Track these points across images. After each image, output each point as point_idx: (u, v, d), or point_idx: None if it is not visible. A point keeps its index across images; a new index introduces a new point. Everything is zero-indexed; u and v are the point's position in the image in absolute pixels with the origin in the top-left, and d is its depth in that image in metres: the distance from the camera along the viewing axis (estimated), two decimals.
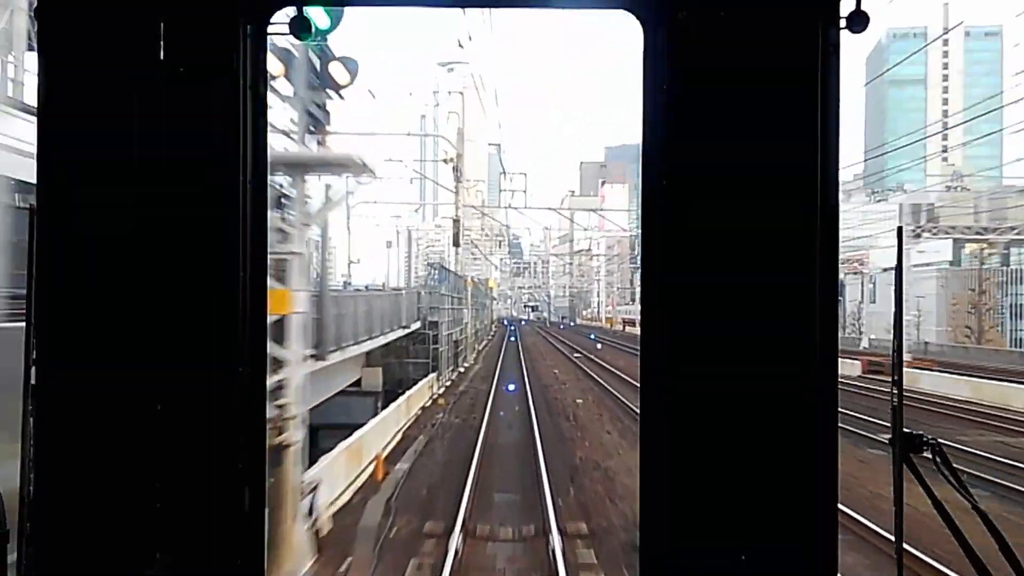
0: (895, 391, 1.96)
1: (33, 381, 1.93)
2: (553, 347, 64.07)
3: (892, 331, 1.99)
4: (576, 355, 52.13)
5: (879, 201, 63.00)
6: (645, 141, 2.03)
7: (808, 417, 1.96)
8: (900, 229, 1.92)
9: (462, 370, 41.76)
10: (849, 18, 1.95)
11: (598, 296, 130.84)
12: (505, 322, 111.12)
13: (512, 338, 72.37)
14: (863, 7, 1.95)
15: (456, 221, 43.79)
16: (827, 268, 1.95)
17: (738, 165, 1.96)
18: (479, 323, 60.80)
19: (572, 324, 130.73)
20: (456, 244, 45.95)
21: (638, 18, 2.00)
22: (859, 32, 1.95)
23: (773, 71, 1.95)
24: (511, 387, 32.19)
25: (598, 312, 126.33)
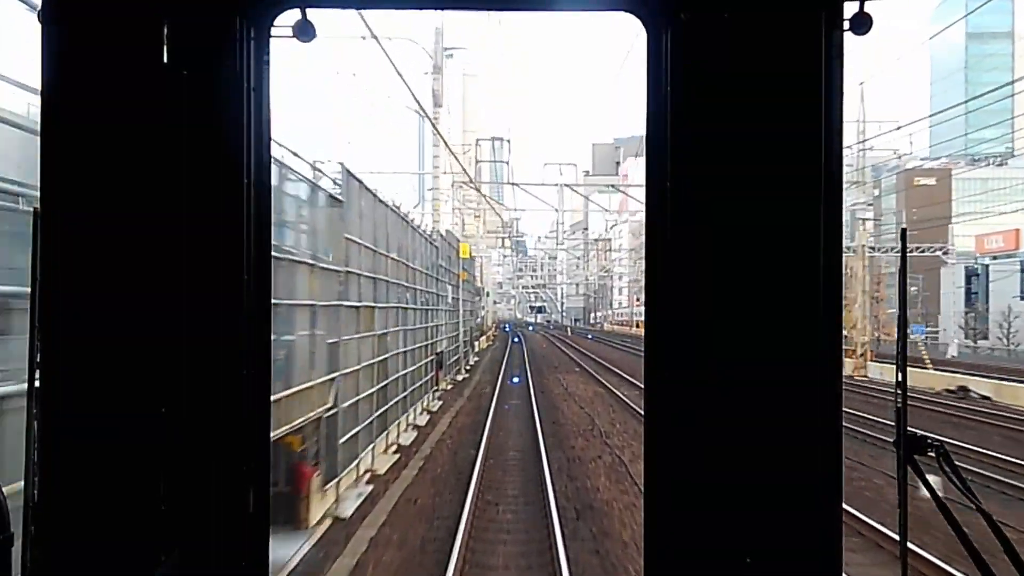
0: (898, 392, 2.30)
1: (37, 383, 2.28)
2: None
3: (896, 334, 2.33)
4: None
5: (1000, 165, 60.58)
6: (649, 142, 2.37)
7: (813, 418, 2.30)
8: (904, 231, 2.26)
9: None
10: (852, 20, 2.29)
11: (624, 293, 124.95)
12: (507, 328, 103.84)
13: (515, 379, 38.79)
14: (866, 9, 2.29)
15: None
16: (830, 268, 2.30)
17: (742, 167, 2.30)
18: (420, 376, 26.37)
19: (598, 329, 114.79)
20: None
21: (641, 20, 2.35)
22: (862, 34, 2.30)
23: (776, 73, 2.29)
24: None
25: (632, 315, 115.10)
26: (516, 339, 77.88)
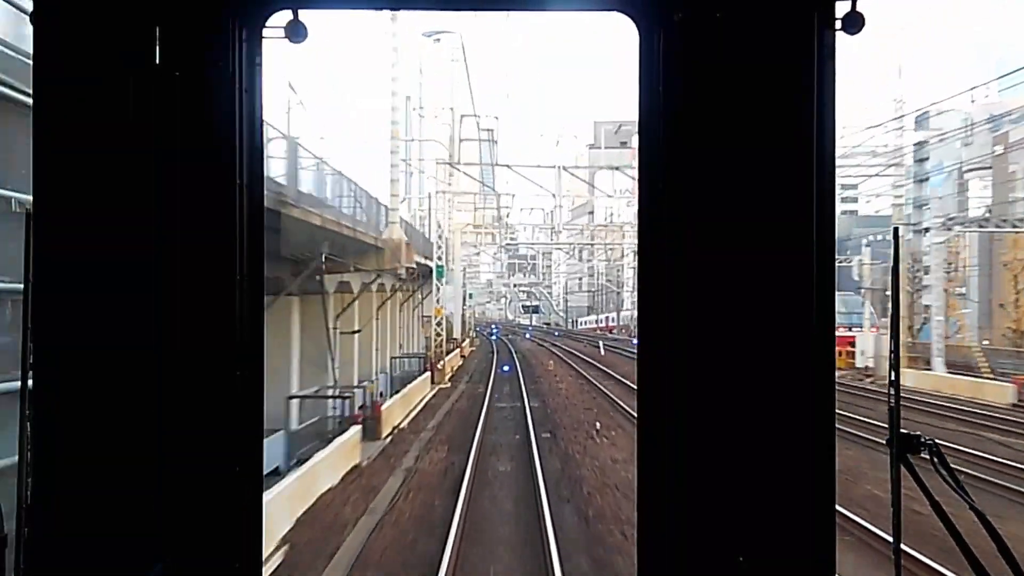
0: (892, 392, 2.59)
1: (30, 386, 2.55)
2: None
3: (889, 332, 2.62)
4: None
5: None
6: (642, 141, 2.67)
7: (806, 418, 2.59)
8: (896, 230, 2.54)
9: None
10: (844, 19, 2.58)
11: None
12: (494, 334, 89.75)
13: None
14: (858, 8, 2.58)
15: None
16: (823, 266, 2.59)
17: (735, 165, 2.60)
18: None
19: (629, 338, 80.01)
20: None
21: (634, 20, 2.64)
22: (854, 34, 2.59)
23: (769, 72, 2.58)
24: None
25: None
26: (506, 368, 52.43)
